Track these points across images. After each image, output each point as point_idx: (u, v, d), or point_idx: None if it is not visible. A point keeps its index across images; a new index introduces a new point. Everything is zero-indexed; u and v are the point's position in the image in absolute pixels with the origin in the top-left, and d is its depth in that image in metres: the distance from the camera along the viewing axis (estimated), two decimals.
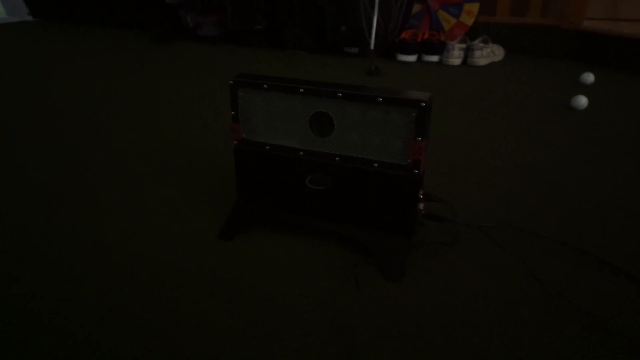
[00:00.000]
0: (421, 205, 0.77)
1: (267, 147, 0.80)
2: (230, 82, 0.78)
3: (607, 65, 2.13)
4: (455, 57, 2.16)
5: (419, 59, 2.26)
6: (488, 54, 2.17)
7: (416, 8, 2.41)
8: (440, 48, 2.20)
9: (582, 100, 1.50)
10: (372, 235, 0.78)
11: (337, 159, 0.76)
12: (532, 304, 0.68)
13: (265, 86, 0.76)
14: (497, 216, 0.91)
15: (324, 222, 0.81)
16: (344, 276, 0.74)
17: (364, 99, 0.71)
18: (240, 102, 0.79)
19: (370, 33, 2.12)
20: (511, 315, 0.66)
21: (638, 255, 0.79)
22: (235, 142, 0.82)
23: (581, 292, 0.70)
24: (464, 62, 2.19)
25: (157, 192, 1.01)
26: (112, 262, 0.78)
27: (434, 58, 2.22)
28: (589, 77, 1.79)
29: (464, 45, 2.17)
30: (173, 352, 0.60)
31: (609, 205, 0.95)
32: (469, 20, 2.34)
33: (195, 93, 1.71)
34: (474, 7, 2.32)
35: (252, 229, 0.86)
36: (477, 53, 2.13)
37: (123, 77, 1.91)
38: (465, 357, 0.59)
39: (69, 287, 0.72)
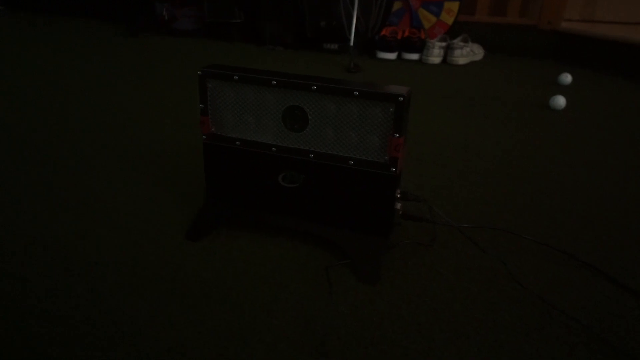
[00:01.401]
0: (398, 205, 0.74)
1: (238, 143, 0.76)
2: (199, 72, 0.73)
3: (584, 65, 2.15)
4: (435, 56, 2.14)
5: (399, 56, 2.24)
6: (468, 53, 2.16)
7: (397, 5, 2.39)
8: (420, 46, 2.18)
9: (561, 101, 1.49)
10: (346, 236, 0.75)
11: (311, 155, 0.72)
12: (513, 307, 0.66)
13: (235, 77, 0.72)
14: (477, 216, 0.88)
15: (296, 222, 0.77)
16: (316, 279, 0.70)
17: (340, 92, 0.67)
18: (210, 95, 0.75)
19: (350, 29, 2.09)
20: (491, 319, 0.63)
21: (619, 256, 0.78)
22: (204, 136, 0.77)
23: (563, 295, 0.68)
24: (444, 60, 2.18)
25: (122, 188, 0.95)
26: (70, 265, 0.73)
27: (414, 56, 2.20)
28: (567, 78, 1.80)
29: (444, 44, 2.16)
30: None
31: (590, 205, 0.94)
32: (449, 19, 2.33)
33: (166, 87, 1.65)
34: (454, 6, 2.31)
35: (221, 229, 0.82)
36: (457, 52, 2.12)
37: (91, 71, 1.83)
38: None
39: (24, 292, 0.66)
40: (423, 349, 0.58)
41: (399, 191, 0.73)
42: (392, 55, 2.21)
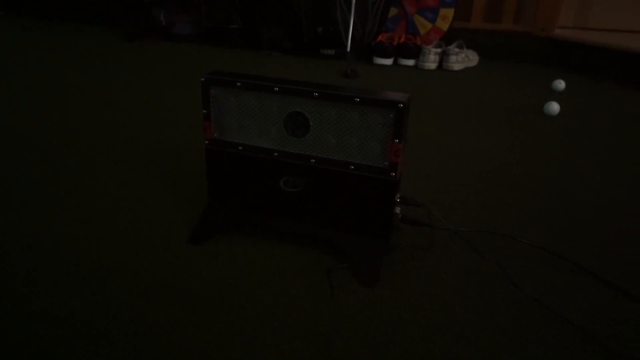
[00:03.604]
0: (398, 209, 0.75)
1: (240, 148, 0.77)
2: (202, 79, 0.74)
3: (577, 71, 2.18)
4: (431, 62, 2.17)
5: (395, 62, 2.26)
6: (463, 59, 2.18)
7: (393, 12, 2.42)
8: (416, 52, 2.20)
9: (554, 107, 1.52)
10: (347, 239, 0.76)
11: (313, 160, 0.74)
12: (510, 310, 0.67)
13: (238, 84, 0.73)
14: (474, 220, 0.90)
15: (298, 226, 0.79)
16: (318, 281, 0.72)
17: (341, 99, 0.69)
18: (212, 101, 0.76)
19: (347, 35, 2.11)
20: (490, 321, 0.65)
21: (613, 259, 0.80)
22: (206, 141, 0.78)
23: (559, 298, 0.70)
24: (440, 66, 2.20)
25: (123, 193, 0.96)
26: (70, 265, 0.73)
27: (410, 62, 2.22)
28: (560, 84, 1.83)
29: (439, 50, 2.18)
30: None
31: (585, 209, 0.96)
32: (444, 25, 2.35)
33: (164, 90, 1.66)
34: (450, 12, 2.33)
35: (224, 232, 0.83)
36: (453, 58, 2.14)
37: (90, 73, 1.84)
38: None
39: (25, 292, 0.67)
40: (423, 350, 0.60)
41: (398, 196, 0.74)
42: (388, 61, 2.23)
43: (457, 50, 2.15)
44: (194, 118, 1.41)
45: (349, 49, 2.10)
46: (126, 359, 0.57)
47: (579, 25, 2.41)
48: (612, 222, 0.91)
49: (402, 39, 2.26)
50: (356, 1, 2.09)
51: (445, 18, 2.34)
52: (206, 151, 0.79)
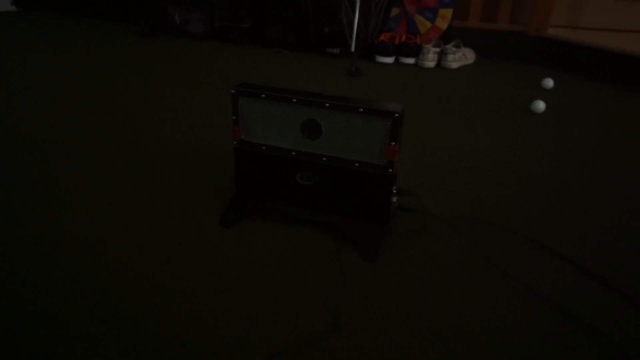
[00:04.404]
0: (395, 199, 0.91)
1: (264, 147, 0.92)
2: (232, 91, 0.90)
3: (569, 70, 2.31)
4: (429, 60, 2.31)
5: (396, 60, 2.40)
6: (460, 57, 2.32)
7: (394, 11, 2.55)
8: (416, 51, 2.34)
9: (540, 105, 1.66)
10: (352, 224, 0.92)
11: (324, 159, 0.89)
12: (482, 279, 0.83)
13: (262, 95, 0.88)
14: (460, 209, 1.06)
15: (311, 213, 0.95)
16: (328, 260, 0.87)
17: (348, 109, 0.84)
18: (240, 108, 0.91)
19: (351, 35, 2.25)
20: (468, 289, 0.81)
21: (604, 251, 0.95)
22: (235, 142, 0.94)
23: (531, 274, 0.86)
24: (438, 64, 2.34)
25: (151, 188, 1.12)
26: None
27: (410, 60, 2.36)
28: (549, 83, 1.97)
29: (438, 49, 2.32)
30: (176, 332, 0.72)
31: (566, 199, 1.11)
32: (443, 25, 2.49)
33: (184, 89, 1.81)
34: (448, 12, 2.47)
35: (248, 220, 0.99)
36: (450, 57, 2.28)
37: (109, 70, 1.99)
38: (433, 324, 0.74)
39: (72, 276, 0.77)
40: (418, 314, 0.76)
41: (395, 187, 0.90)
42: (389, 59, 2.38)
43: (454, 49, 2.29)
44: (211, 115, 1.56)
45: (353, 49, 2.24)
46: (162, 333, 0.73)
47: (571, 24, 2.54)
48: (601, 213, 1.07)
49: (403, 38, 2.39)
50: (360, 3, 2.23)
51: (444, 18, 2.48)
52: (235, 150, 0.94)
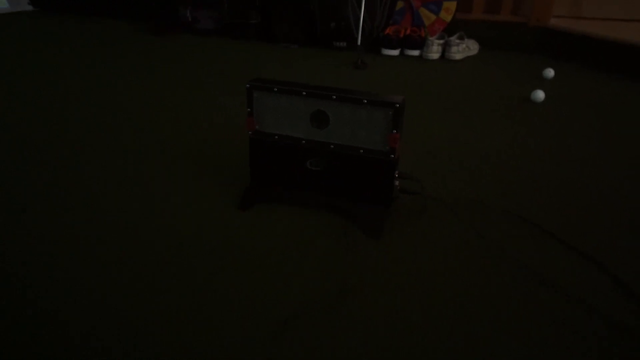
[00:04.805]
0: (397, 182, 0.99)
1: (276, 137, 1.01)
2: (247, 85, 0.98)
3: (570, 60, 2.37)
4: (434, 52, 2.37)
5: (401, 53, 2.47)
6: (464, 49, 2.38)
7: (399, 4, 2.61)
8: (420, 43, 2.41)
9: (540, 95, 1.73)
10: (358, 206, 1.00)
11: (332, 146, 0.97)
12: (475, 254, 0.91)
13: (275, 89, 0.97)
14: (458, 192, 1.14)
15: (320, 196, 1.03)
16: (336, 238, 0.96)
17: (353, 101, 0.92)
18: (255, 101, 1.00)
19: (357, 29, 2.32)
20: (466, 268, 0.89)
21: (586, 229, 1.03)
22: (250, 132, 1.03)
23: (525, 253, 0.94)
24: (442, 56, 2.41)
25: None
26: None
27: (415, 52, 2.43)
28: (550, 73, 2.03)
29: (442, 41, 2.38)
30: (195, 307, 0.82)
31: (560, 183, 1.19)
32: (447, 17, 2.55)
33: (197, 84, 1.90)
34: (452, 5, 2.53)
35: (262, 203, 1.08)
36: (454, 48, 2.35)
37: (124, 68, 2.08)
38: (431, 292, 0.82)
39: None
40: (415, 283, 0.84)
41: (397, 172, 0.98)
42: (395, 52, 2.44)
43: (457, 41, 2.35)
44: (222, 108, 1.65)
45: (359, 42, 2.31)
46: (183, 311, 0.82)
47: (573, 14, 2.58)
48: (601, 200, 1.14)
49: (408, 31, 2.46)
50: None
51: (448, 10, 2.54)
52: (250, 140, 1.03)
